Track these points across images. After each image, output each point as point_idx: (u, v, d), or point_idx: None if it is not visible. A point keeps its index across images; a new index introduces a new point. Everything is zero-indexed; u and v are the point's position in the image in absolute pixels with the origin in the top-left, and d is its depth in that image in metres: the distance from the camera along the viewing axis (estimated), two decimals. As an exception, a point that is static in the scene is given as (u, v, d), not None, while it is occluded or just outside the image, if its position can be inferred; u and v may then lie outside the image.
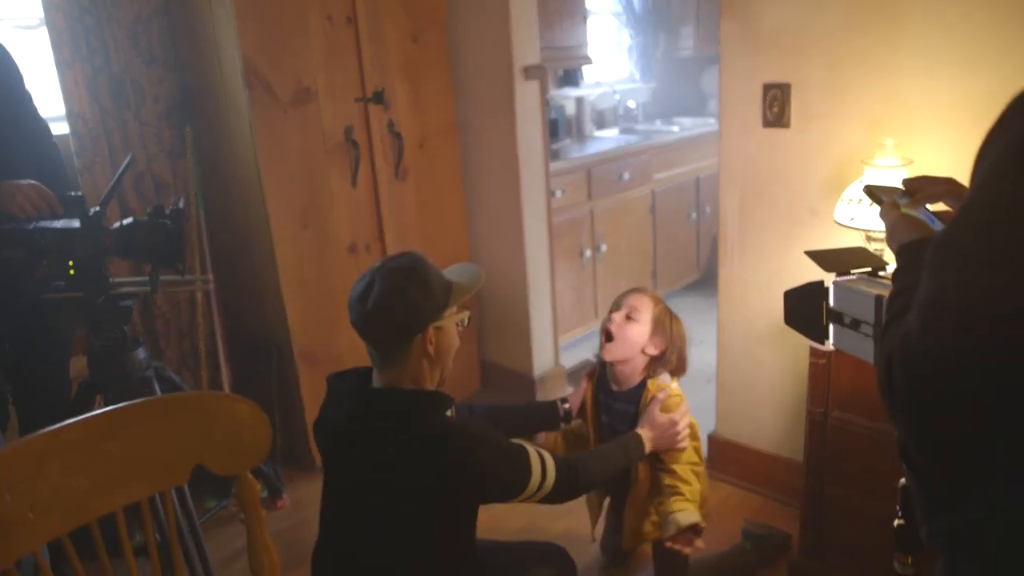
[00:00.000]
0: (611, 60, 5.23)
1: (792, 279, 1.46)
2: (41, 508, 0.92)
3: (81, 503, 0.96)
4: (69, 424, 0.97)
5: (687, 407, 2.02)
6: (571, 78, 4.58)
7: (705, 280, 4.70)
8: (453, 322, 1.64)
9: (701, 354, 3.81)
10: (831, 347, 1.70)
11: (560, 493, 1.68)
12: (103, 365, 1.97)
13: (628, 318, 2.03)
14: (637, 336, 2.02)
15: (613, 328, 2.03)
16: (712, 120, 4.69)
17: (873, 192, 1.22)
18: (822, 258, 1.47)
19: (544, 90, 3.23)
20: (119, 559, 1.05)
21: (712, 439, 2.78)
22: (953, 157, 1.97)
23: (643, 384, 2.05)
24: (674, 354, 2.05)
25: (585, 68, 4.62)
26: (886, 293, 1.26)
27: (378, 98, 2.88)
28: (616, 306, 2.08)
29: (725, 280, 2.59)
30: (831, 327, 1.38)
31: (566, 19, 4.01)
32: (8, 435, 2.24)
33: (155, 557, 1.09)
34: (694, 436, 2.07)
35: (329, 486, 1.71)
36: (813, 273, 1.44)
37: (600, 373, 2.15)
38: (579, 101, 4.72)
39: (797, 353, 2.40)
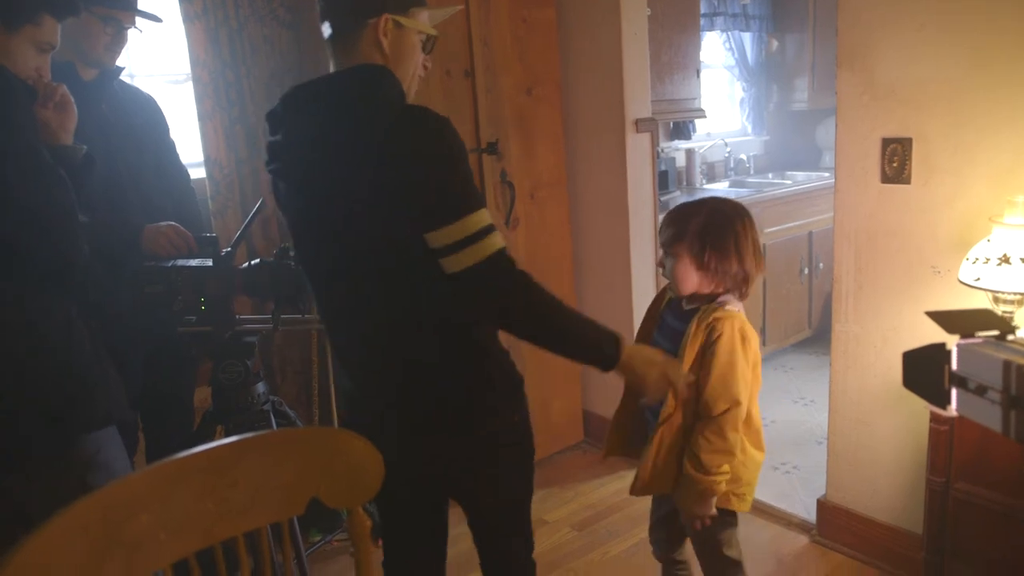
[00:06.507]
0: (723, 112, 5.21)
1: (910, 339, 1.41)
2: (172, 529, 0.99)
3: (207, 527, 1.02)
4: (199, 451, 1.03)
5: (735, 345, 1.71)
6: (682, 130, 4.59)
7: (816, 338, 4.55)
8: (417, 27, 1.47)
9: (811, 414, 3.69)
10: (954, 413, 1.62)
11: (485, 277, 1.35)
12: (226, 397, 2.08)
13: (668, 255, 1.78)
14: (682, 274, 1.76)
15: (663, 269, 1.82)
16: (827, 174, 4.58)
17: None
18: (945, 319, 1.41)
19: (655, 142, 3.25)
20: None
21: (822, 504, 2.67)
22: (1092, 217, 1.87)
23: (697, 309, 1.76)
24: (732, 287, 1.76)
25: (697, 121, 4.62)
26: (1016, 360, 1.20)
27: (492, 148, 2.97)
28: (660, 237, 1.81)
29: (839, 338, 2.51)
30: (954, 392, 1.32)
31: (678, 72, 4.03)
32: (136, 460, 2.38)
33: (268, 584, 1.15)
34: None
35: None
36: (933, 333, 1.38)
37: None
38: (689, 153, 4.72)
39: (916, 417, 2.29)
